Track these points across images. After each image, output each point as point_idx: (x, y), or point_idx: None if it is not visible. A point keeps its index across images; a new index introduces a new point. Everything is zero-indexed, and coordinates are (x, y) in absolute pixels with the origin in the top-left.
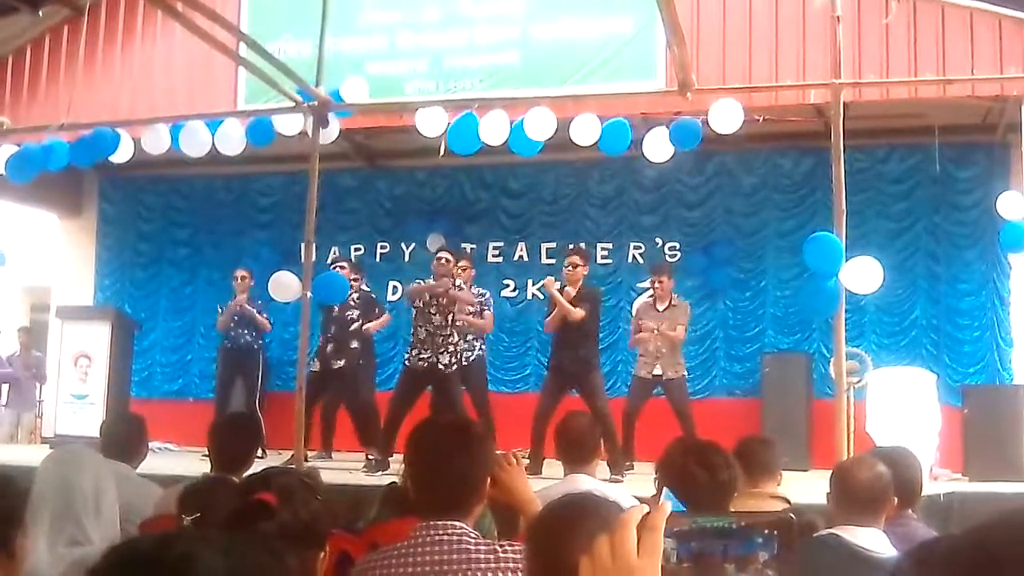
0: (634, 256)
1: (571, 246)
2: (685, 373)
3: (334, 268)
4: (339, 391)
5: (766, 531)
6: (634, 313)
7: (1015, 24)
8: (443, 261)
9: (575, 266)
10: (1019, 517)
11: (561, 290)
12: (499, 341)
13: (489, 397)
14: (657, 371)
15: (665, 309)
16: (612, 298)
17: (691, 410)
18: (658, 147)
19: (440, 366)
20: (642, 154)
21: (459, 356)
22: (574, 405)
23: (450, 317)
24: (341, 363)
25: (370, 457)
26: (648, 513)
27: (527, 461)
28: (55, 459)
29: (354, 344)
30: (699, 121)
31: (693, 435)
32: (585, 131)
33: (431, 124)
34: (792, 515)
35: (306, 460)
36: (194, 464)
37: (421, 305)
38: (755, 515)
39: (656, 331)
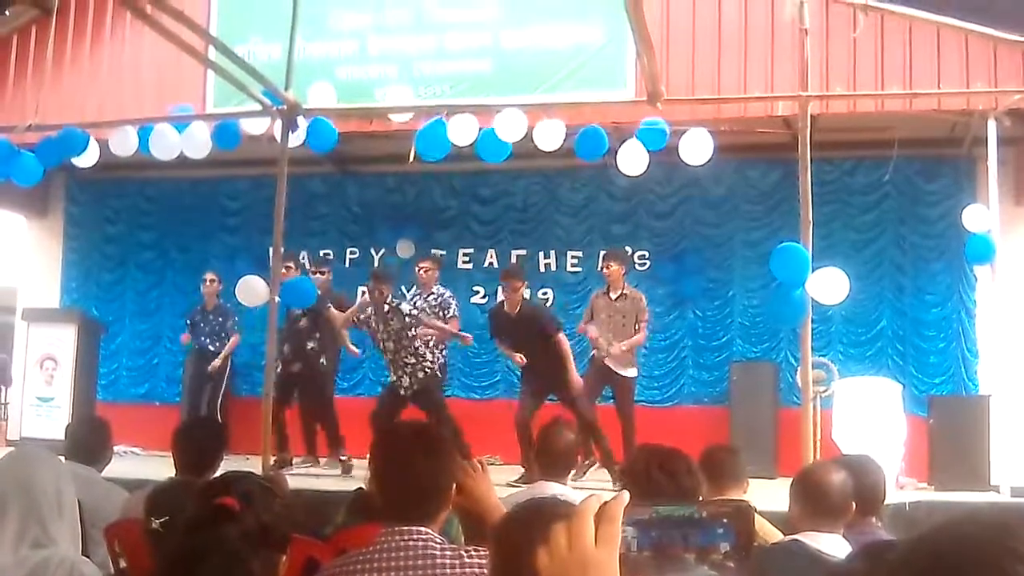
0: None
1: (511, 265)
2: (635, 374)
3: (313, 274)
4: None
5: (726, 520)
6: (590, 303)
7: (981, 39)
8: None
9: (516, 289)
10: (968, 524)
11: (500, 308)
12: (468, 348)
13: (447, 405)
14: (609, 363)
15: (617, 298)
16: (581, 306)
17: (633, 413)
18: (632, 159)
19: (405, 387)
20: (616, 165)
21: (421, 372)
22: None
23: (402, 340)
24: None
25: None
26: (606, 503)
27: (496, 463)
28: (12, 459)
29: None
30: (666, 126)
31: (633, 439)
32: (549, 136)
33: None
34: (752, 505)
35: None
36: (160, 468)
37: (369, 333)
38: (716, 504)
39: (607, 343)
